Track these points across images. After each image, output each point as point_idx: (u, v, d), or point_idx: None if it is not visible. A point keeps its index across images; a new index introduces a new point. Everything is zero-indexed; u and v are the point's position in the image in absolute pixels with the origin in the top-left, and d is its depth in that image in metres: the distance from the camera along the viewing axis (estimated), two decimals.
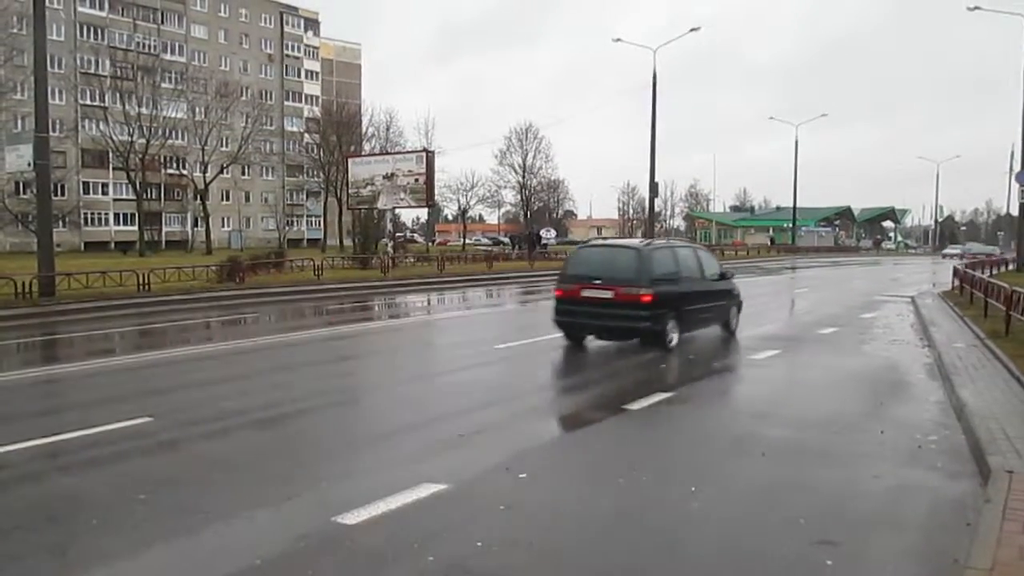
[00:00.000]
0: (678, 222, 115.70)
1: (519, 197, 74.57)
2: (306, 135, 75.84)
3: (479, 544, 4.30)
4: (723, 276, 13.43)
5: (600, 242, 19.34)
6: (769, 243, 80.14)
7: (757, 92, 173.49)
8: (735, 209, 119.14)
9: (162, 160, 61.63)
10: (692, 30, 41.54)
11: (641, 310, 11.00)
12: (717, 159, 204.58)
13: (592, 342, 12.01)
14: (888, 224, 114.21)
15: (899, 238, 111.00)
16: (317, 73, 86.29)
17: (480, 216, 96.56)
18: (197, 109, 61.30)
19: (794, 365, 10.82)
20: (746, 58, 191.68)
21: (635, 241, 16.16)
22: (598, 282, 11.35)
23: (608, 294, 11.19)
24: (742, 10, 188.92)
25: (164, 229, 69.50)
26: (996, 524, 4.26)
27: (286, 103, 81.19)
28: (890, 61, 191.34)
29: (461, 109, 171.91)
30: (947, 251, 70.33)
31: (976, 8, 33.98)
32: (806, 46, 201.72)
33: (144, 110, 57.06)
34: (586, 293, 11.43)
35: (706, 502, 5.06)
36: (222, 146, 61.65)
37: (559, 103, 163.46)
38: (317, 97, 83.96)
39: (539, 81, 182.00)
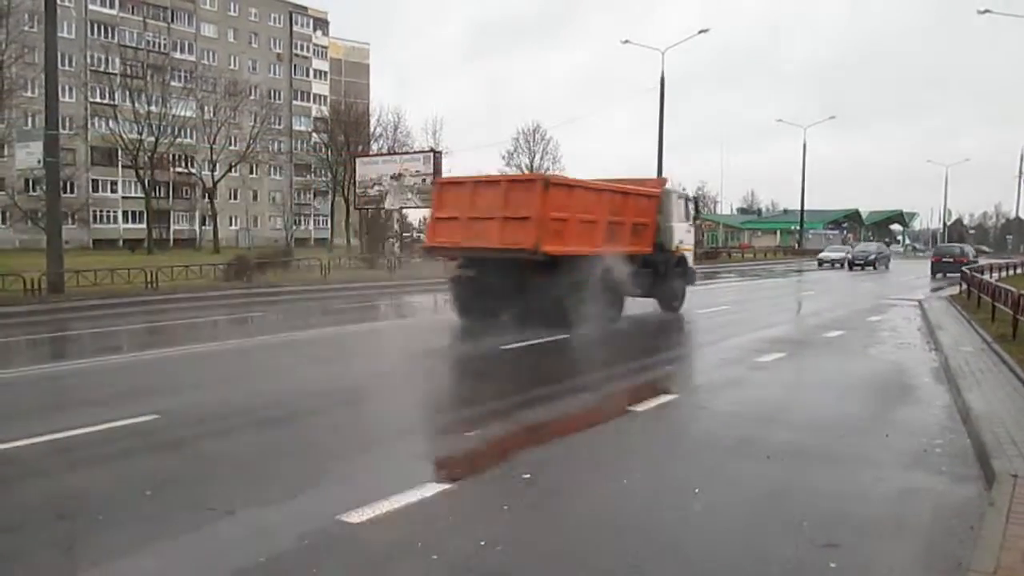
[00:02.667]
0: None
1: None
2: (314, 134, 75.96)
3: (482, 543, 4.32)
4: (979, 252, 50.68)
5: (944, 245, 45.16)
6: (796, 245, 78.96)
7: (766, 95, 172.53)
8: (742, 211, 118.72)
9: (171, 158, 61.91)
10: (700, 32, 41.51)
11: (960, 265, 29.23)
12: (725, 161, 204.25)
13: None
14: (896, 227, 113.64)
15: (907, 241, 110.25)
16: (326, 73, 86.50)
17: None
18: (206, 108, 61.52)
19: (800, 368, 10.80)
20: (754, 62, 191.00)
21: (957, 245, 44.71)
22: (947, 256, 36.96)
23: (951, 259, 35.17)
24: (752, 17, 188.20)
25: (172, 227, 69.85)
26: (1000, 528, 4.26)
27: (294, 102, 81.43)
28: (900, 65, 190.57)
29: (471, 110, 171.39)
30: (825, 255, 48.02)
31: (986, 11, 33.91)
32: (818, 50, 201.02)
33: (153, 108, 57.41)
34: (942, 260, 36.22)
35: (709, 504, 5.06)
36: (230, 145, 61.96)
37: (571, 105, 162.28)
38: (325, 97, 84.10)
39: (553, 84, 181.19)
